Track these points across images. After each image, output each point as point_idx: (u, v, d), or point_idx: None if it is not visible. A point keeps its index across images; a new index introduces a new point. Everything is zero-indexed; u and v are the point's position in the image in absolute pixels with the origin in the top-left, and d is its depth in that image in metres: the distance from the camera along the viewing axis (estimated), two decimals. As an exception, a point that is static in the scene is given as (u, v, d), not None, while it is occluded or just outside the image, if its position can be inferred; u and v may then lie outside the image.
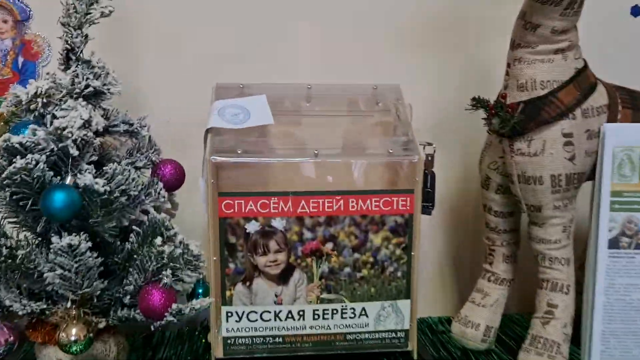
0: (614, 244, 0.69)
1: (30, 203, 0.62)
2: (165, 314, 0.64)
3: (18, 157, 0.60)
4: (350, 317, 0.76)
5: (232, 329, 0.75)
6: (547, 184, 0.69)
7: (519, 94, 0.69)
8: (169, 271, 0.65)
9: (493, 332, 0.80)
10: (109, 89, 0.67)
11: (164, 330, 0.87)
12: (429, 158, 0.78)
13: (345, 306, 0.76)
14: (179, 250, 0.67)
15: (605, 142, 0.68)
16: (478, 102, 0.72)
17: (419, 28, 0.91)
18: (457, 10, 0.91)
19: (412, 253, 0.76)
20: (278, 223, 0.72)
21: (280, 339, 0.75)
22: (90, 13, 0.66)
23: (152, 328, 0.66)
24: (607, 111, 0.70)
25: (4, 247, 0.61)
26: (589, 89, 0.69)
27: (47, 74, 0.67)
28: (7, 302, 0.64)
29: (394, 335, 0.77)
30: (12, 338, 0.64)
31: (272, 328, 0.75)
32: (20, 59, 0.83)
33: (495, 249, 0.81)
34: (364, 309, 0.76)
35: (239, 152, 0.72)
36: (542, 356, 0.70)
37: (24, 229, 0.67)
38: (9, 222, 0.67)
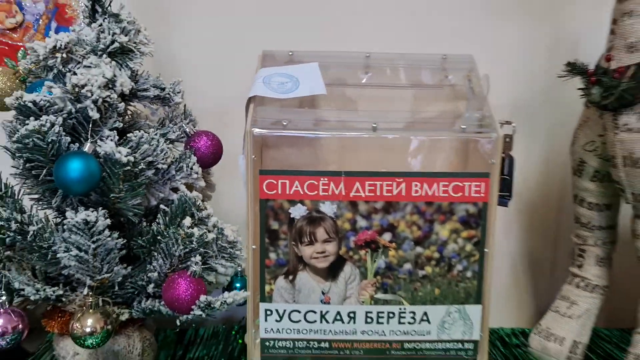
0: None
1: (44, 172, 0.54)
2: (193, 306, 0.55)
3: (31, 118, 0.53)
4: (410, 323, 0.66)
5: (271, 329, 0.66)
6: (662, 168, 0.56)
7: (628, 55, 0.57)
8: (198, 257, 0.56)
9: (581, 349, 0.67)
10: (138, 47, 0.59)
11: (198, 328, 0.78)
12: (507, 139, 0.67)
13: (404, 309, 0.65)
14: (212, 235, 0.58)
15: None
16: (574, 68, 0.60)
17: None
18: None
19: (486, 249, 0.65)
20: (328, 208, 0.63)
21: (326, 344, 0.66)
22: (119, -41, 0.58)
23: (178, 322, 0.57)
24: None
25: (14, 221, 0.54)
26: None
27: (71, 28, 0.59)
28: (17, 285, 0.56)
29: (460, 346, 0.67)
30: (20, 326, 0.56)
31: (318, 331, 0.66)
32: (54, 24, 0.77)
33: (586, 249, 0.68)
34: (425, 313, 0.66)
35: (284, 124, 0.63)
36: (650, 382, 0.56)
37: (44, 205, 0.60)
38: (31, 199, 0.60)
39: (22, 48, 0.77)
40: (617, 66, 0.57)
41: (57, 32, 0.77)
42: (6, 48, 0.77)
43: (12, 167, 0.58)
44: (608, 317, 0.84)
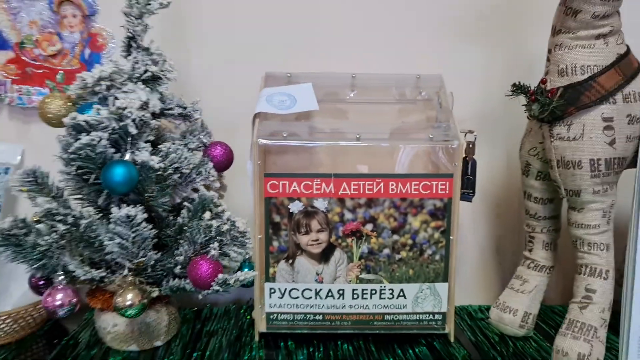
0: (655, 230, 0.69)
1: (93, 177, 0.68)
2: (212, 283, 0.68)
3: (83, 134, 0.66)
4: (389, 298, 0.78)
5: (275, 304, 0.78)
6: (586, 168, 0.69)
7: (559, 79, 0.70)
8: (216, 244, 0.70)
9: (531, 318, 0.81)
10: (165, 75, 0.73)
11: (212, 308, 0.91)
12: (470, 145, 0.79)
13: (384, 287, 0.78)
14: (226, 226, 0.71)
15: (647, 127, 0.68)
16: (518, 88, 0.73)
17: (463, 18, 0.92)
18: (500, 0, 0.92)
19: (451, 237, 0.77)
20: (320, 204, 0.76)
21: (320, 317, 0.79)
22: (150, 4, 0.71)
23: (200, 297, 0.71)
24: (650, 97, 0.70)
25: (70, 216, 0.67)
26: (632, 74, 0.69)
27: (110, 60, 0.73)
28: (71, 268, 0.70)
29: (431, 317, 0.79)
30: (75, 300, 0.70)
31: (313, 305, 0.78)
32: (87, 51, 0.90)
33: (535, 236, 0.82)
34: (402, 290, 0.78)
35: (284, 135, 0.75)
36: (578, 340, 0.70)
37: (86, 203, 0.73)
38: (74, 198, 0.74)
39: (60, 71, 0.91)
40: (550, 87, 0.70)
41: (90, 57, 0.90)
42: (47, 72, 0.90)
43: (60, 172, 0.72)
44: (562, 295, 0.98)
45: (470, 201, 0.80)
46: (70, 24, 0.89)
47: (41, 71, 0.90)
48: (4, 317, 0.79)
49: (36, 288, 0.76)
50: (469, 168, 0.79)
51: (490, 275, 0.98)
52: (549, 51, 0.72)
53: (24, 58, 0.89)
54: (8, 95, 0.89)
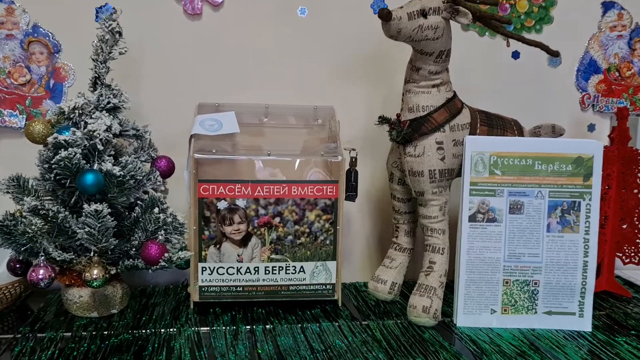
0: (472, 218, 1.00)
1: (69, 182, 0.91)
2: (160, 260, 0.92)
3: (62, 149, 0.89)
4: (292, 273, 1.04)
5: (206, 280, 1.02)
6: (426, 177, 0.99)
7: (409, 114, 1.00)
8: (162, 232, 0.94)
9: (397, 287, 1.10)
10: (123, 105, 0.97)
11: (154, 287, 1.14)
12: (353, 160, 1.08)
13: (289, 264, 1.04)
14: (169, 219, 0.96)
15: (465, 148, 0.99)
16: (383, 119, 1.02)
17: (354, 63, 1.21)
18: (381, 52, 1.21)
19: (337, 227, 1.04)
20: (241, 202, 1.01)
21: (241, 288, 1.03)
22: (111, 52, 0.95)
23: (150, 271, 0.94)
24: (469, 127, 1.01)
25: (50, 211, 0.89)
26: (456, 112, 1.00)
27: (79, 93, 0.96)
28: (50, 250, 0.92)
29: (324, 287, 1.06)
30: (53, 274, 0.91)
31: (235, 280, 1.03)
32: (52, 81, 1.12)
33: (399, 226, 1.12)
34: (302, 267, 1.04)
35: (213, 151, 1.01)
36: (423, 297, 0.99)
37: (58, 202, 0.95)
38: (47, 199, 0.96)
39: (29, 97, 1.12)
40: (403, 119, 1.00)
41: (54, 87, 1.12)
42: (18, 97, 1.11)
43: (34, 178, 0.94)
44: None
45: (354, 201, 1.08)
46: (37, 60, 1.11)
47: (12, 97, 1.10)
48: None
49: (13, 270, 0.97)
50: (352, 176, 1.08)
51: (373, 258, 1.27)
52: (403, 94, 1.02)
53: (-2, 86, 1.10)
54: (-16, 116, 1.09)
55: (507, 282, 1.01)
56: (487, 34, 1.25)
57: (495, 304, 1.01)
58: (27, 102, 1.11)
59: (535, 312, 1.01)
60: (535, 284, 1.01)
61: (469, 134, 1.01)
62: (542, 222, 1.00)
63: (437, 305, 0.99)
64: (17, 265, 0.97)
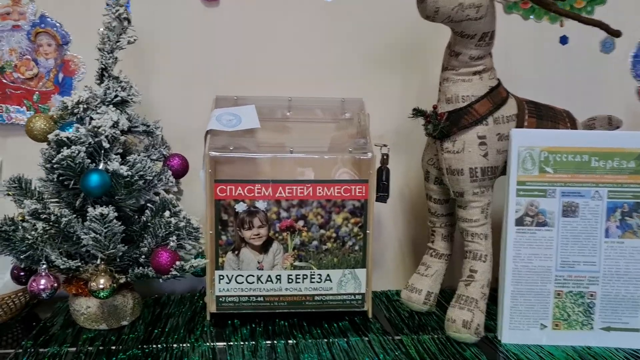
0: (519, 222, 0.89)
1: (72, 183, 0.83)
2: (171, 269, 0.84)
3: (64, 147, 0.81)
4: (317, 282, 0.95)
5: (223, 289, 0.94)
6: (467, 175, 0.89)
7: (446, 105, 0.89)
8: (174, 237, 0.86)
9: (433, 297, 1.00)
10: (132, 99, 0.89)
11: (170, 295, 1.07)
12: (384, 157, 0.98)
13: (313, 272, 0.95)
14: (182, 223, 0.87)
15: (512, 143, 0.88)
16: (418, 112, 0.92)
17: (385, 51, 1.11)
18: (415, 38, 1.11)
19: (367, 231, 0.95)
20: (261, 204, 0.92)
21: (262, 298, 0.95)
22: (119, 41, 0.87)
23: (161, 281, 0.86)
24: (516, 119, 0.90)
25: (52, 215, 0.82)
26: (501, 102, 0.89)
27: (85, 86, 0.88)
28: (53, 258, 0.84)
29: (352, 297, 0.96)
30: (55, 284, 0.84)
31: (255, 289, 0.94)
32: (61, 75, 1.05)
33: (435, 230, 1.01)
34: (328, 275, 0.95)
35: (231, 148, 0.92)
36: (463, 310, 0.89)
37: (64, 205, 0.88)
38: (52, 201, 0.88)
39: (37, 92, 1.05)
40: (440, 112, 0.90)
41: (63, 81, 1.05)
42: (25, 92, 1.04)
43: (39, 179, 0.86)
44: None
45: (385, 202, 0.99)
46: (45, 52, 1.04)
47: (19, 92, 1.04)
48: (-13, 304, 0.92)
49: (17, 278, 0.90)
50: (383, 175, 0.98)
51: (406, 265, 1.17)
52: (440, 83, 0.91)
53: (4, 81, 1.03)
54: (-11, 113, 1.03)
55: (559, 294, 0.89)
56: (532, 16, 1.13)
57: (545, 319, 0.90)
58: (34, 97, 1.04)
59: (592, 328, 0.89)
60: (592, 296, 0.89)
61: (516, 127, 0.90)
62: (600, 227, 0.89)
63: (479, 320, 0.88)
64: (21, 273, 0.90)
